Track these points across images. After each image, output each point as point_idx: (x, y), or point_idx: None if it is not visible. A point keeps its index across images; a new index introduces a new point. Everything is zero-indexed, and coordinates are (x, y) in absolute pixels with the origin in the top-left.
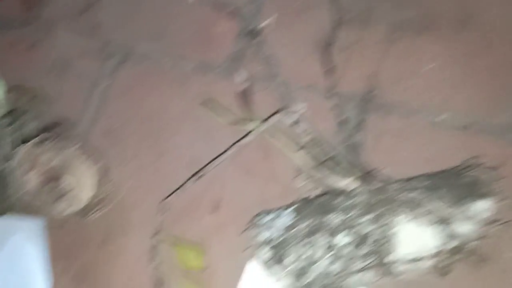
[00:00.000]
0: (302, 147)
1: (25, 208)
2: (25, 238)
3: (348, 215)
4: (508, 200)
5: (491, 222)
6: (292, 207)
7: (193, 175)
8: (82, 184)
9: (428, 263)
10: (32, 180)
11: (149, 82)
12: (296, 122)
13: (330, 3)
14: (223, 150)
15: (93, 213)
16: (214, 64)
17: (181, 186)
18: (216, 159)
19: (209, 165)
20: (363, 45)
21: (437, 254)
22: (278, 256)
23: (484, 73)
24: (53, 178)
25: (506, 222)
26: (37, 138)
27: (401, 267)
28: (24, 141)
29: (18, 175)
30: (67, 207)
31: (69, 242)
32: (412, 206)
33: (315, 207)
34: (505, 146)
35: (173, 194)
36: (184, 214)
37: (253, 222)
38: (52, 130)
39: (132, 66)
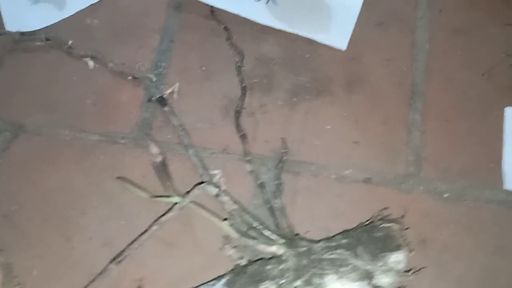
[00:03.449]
0: (226, 217)
1: None
2: None
3: (280, 283)
4: (416, 250)
5: (404, 272)
6: (223, 280)
7: (114, 259)
8: None
9: None
10: None
11: (46, 159)
12: (218, 194)
13: (231, 71)
14: (139, 227)
15: None
16: (120, 134)
17: (102, 271)
18: (137, 239)
19: (130, 245)
20: (267, 110)
21: None
22: None
23: (374, 131)
24: None
25: (416, 271)
26: None
27: None
28: None
29: None
30: None
31: None
32: (337, 265)
33: (246, 278)
34: (402, 196)
35: (94, 281)
36: None
37: None
38: None
39: (23, 143)
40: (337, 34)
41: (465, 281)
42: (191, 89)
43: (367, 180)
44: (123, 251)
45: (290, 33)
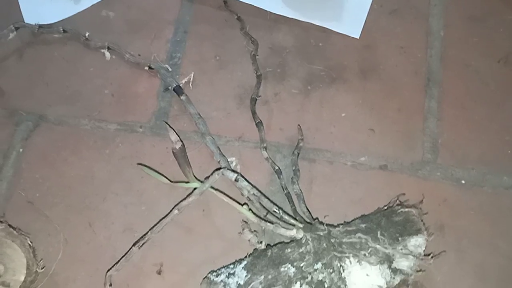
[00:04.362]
0: (245, 202)
1: None
2: None
3: (300, 265)
4: (435, 232)
5: (424, 256)
6: (243, 263)
7: (136, 242)
8: (11, 270)
9: None
10: None
11: (67, 148)
12: (237, 179)
13: (244, 60)
14: (159, 213)
15: None
16: (138, 124)
17: (125, 254)
18: (158, 223)
19: (152, 229)
20: (281, 99)
21: None
22: None
23: (389, 118)
24: None
25: (436, 255)
26: None
27: None
28: None
29: None
30: None
31: None
32: (357, 248)
33: (266, 261)
34: (419, 182)
35: (116, 265)
36: (124, 284)
37: (204, 283)
38: None
39: (46, 132)
40: (350, 22)
41: (485, 268)
42: (205, 78)
43: (383, 167)
44: (145, 235)
45: (303, 22)
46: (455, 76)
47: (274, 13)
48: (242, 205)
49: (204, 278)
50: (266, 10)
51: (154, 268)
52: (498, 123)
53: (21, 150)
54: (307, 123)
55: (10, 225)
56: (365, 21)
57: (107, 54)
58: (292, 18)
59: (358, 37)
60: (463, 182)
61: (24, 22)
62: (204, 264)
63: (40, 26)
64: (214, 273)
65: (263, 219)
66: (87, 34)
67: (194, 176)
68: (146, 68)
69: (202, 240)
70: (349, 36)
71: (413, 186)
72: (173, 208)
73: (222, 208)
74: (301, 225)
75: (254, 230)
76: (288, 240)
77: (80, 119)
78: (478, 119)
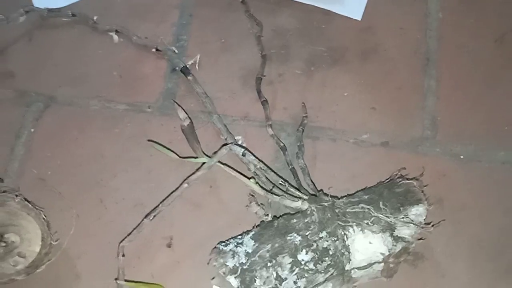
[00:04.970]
0: (252, 176)
1: None
2: None
3: (306, 234)
4: (434, 205)
5: (425, 225)
6: (251, 234)
7: (147, 215)
8: (27, 241)
9: (379, 267)
10: None
11: (77, 127)
12: (244, 153)
13: (249, 43)
14: (168, 189)
15: (40, 268)
16: (146, 104)
17: (137, 226)
18: (168, 197)
19: (162, 203)
20: (285, 79)
21: (386, 258)
22: (246, 283)
23: (390, 97)
24: None
25: (435, 224)
26: None
27: (356, 274)
28: None
29: None
30: (14, 266)
31: None
32: (360, 218)
33: (273, 231)
34: (419, 158)
35: (128, 236)
36: (135, 256)
37: (214, 253)
38: None
39: (55, 113)
40: (352, 5)
41: (480, 240)
42: (211, 60)
43: (385, 144)
44: (156, 207)
45: (306, 5)
46: (453, 56)
47: None
48: (249, 178)
49: (213, 248)
50: None
51: (164, 242)
52: (495, 100)
53: (32, 130)
54: (310, 102)
55: (25, 199)
56: (366, 4)
57: (115, 37)
58: (295, 1)
59: (360, 19)
60: (461, 157)
61: (33, 6)
62: (213, 237)
63: (49, 10)
64: (223, 243)
65: (269, 192)
66: (95, 18)
67: (203, 152)
68: (154, 50)
69: (210, 215)
70: (351, 18)
71: (413, 162)
72: (183, 182)
73: (229, 183)
74: (306, 197)
75: (261, 203)
76: (294, 212)
77: (89, 100)
78: (475, 96)
